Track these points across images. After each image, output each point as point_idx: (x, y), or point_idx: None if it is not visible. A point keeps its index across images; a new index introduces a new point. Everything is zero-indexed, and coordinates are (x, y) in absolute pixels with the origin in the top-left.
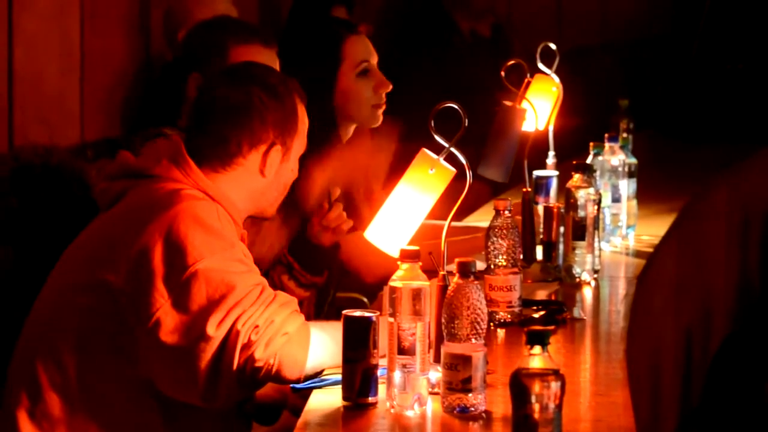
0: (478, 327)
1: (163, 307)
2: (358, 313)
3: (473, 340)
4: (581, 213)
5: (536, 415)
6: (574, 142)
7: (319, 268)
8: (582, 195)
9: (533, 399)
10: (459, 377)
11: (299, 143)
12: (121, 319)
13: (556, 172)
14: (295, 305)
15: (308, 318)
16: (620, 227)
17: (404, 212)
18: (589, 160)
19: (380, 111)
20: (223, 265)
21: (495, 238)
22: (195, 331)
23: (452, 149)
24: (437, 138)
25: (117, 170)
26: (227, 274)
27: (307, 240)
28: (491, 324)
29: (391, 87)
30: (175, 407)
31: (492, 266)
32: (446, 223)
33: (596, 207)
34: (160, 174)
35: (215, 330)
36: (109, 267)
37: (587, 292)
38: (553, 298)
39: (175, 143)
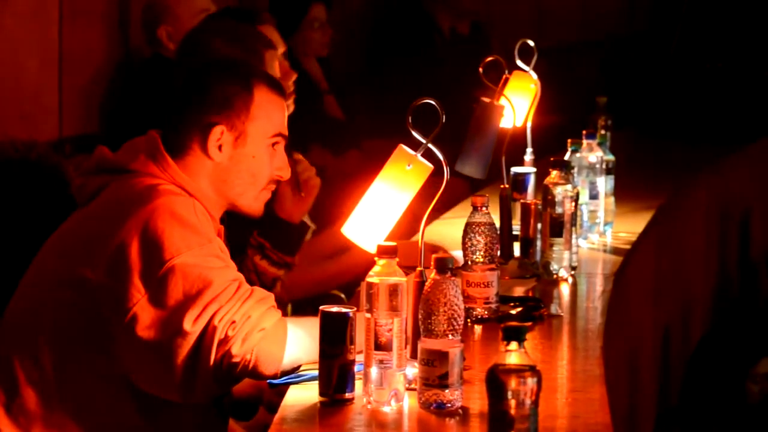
0: (455, 323)
1: (139, 303)
2: (335, 309)
3: (450, 336)
4: (559, 210)
5: (512, 411)
6: (552, 139)
7: (291, 247)
8: (559, 192)
9: (509, 395)
10: (436, 373)
11: (259, 129)
12: (98, 315)
13: (534, 169)
14: (272, 301)
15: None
16: (598, 224)
17: (381, 208)
18: (566, 157)
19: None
20: (200, 260)
21: (472, 235)
22: (171, 327)
23: (430, 145)
24: (415, 134)
25: (95, 166)
26: (204, 269)
27: (277, 219)
28: (468, 320)
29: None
30: (153, 403)
31: (469, 262)
32: (423, 219)
33: (574, 204)
34: (138, 169)
35: (192, 325)
36: (87, 262)
37: (564, 289)
38: (530, 294)
39: (152, 138)
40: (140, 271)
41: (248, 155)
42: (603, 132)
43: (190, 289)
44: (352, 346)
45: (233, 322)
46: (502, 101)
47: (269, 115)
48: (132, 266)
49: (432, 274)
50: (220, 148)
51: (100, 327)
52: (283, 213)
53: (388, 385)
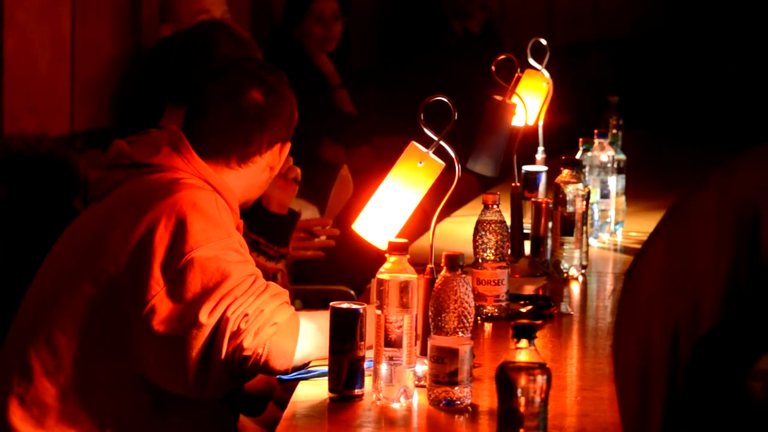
0: (465, 320)
1: (158, 295)
2: (345, 305)
3: (460, 334)
4: (570, 208)
5: (522, 409)
6: (564, 138)
7: (283, 238)
8: (571, 190)
9: (519, 392)
10: (445, 370)
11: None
12: (118, 308)
13: (545, 168)
14: (286, 297)
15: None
16: (608, 223)
17: (393, 205)
18: (578, 156)
19: None
20: (219, 253)
21: (483, 233)
22: (188, 319)
23: (441, 143)
24: (426, 131)
25: (112, 159)
26: (222, 262)
27: (267, 213)
28: (478, 318)
29: None
30: (166, 399)
31: (480, 260)
32: (434, 217)
33: (585, 203)
34: (161, 163)
35: (207, 317)
36: (108, 255)
37: (575, 288)
38: (540, 293)
39: (174, 132)
40: (161, 263)
41: (280, 164)
42: (614, 131)
43: (208, 282)
44: (362, 343)
45: (246, 315)
46: (514, 99)
47: None
48: (153, 258)
49: (443, 272)
50: (280, 160)
51: (120, 321)
52: (272, 206)
53: (397, 382)
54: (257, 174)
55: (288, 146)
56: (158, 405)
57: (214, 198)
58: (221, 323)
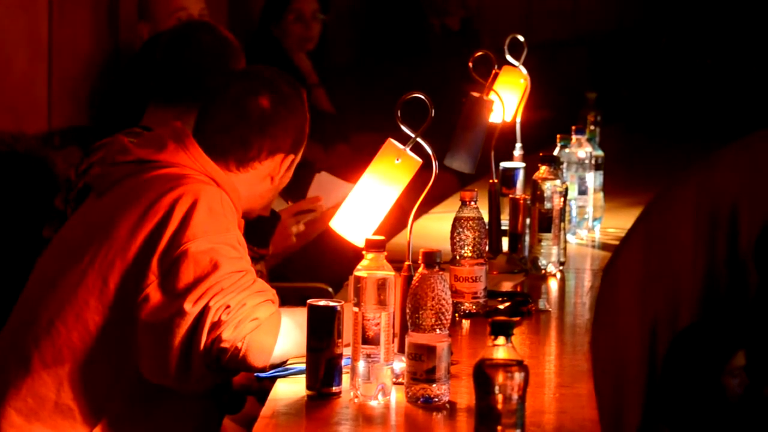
0: (442, 317)
1: (153, 284)
2: (322, 302)
3: (438, 331)
4: (547, 205)
5: (499, 406)
6: (541, 134)
7: (263, 239)
8: (548, 187)
9: (496, 390)
10: (423, 367)
11: (300, 153)
12: (121, 300)
13: (523, 164)
14: (271, 295)
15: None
16: (586, 219)
17: (370, 202)
18: (556, 152)
19: None
20: (215, 246)
21: (461, 229)
22: (174, 307)
23: (419, 139)
24: (403, 128)
25: (117, 156)
26: (216, 254)
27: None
28: (456, 315)
29: None
30: (159, 394)
31: (457, 257)
32: (412, 214)
33: (562, 199)
34: (166, 159)
35: (192, 306)
36: (114, 249)
37: (553, 284)
38: (518, 289)
39: (178, 128)
40: (161, 253)
41: (288, 177)
42: (592, 128)
43: (200, 273)
44: (340, 340)
45: (228, 306)
46: (492, 96)
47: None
48: (156, 247)
49: (420, 269)
50: (281, 173)
51: (121, 314)
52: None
53: (375, 379)
54: (257, 182)
55: (292, 160)
56: (151, 398)
57: (219, 194)
58: (204, 312)
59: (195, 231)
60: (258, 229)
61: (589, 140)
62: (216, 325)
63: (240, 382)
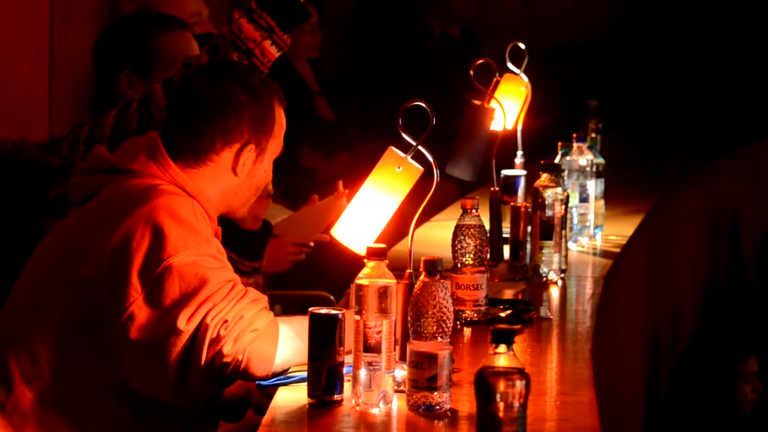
0: (444, 325)
1: (136, 302)
2: (324, 310)
3: (439, 339)
4: (549, 212)
5: (501, 414)
6: (543, 142)
7: (256, 253)
8: (550, 195)
9: (498, 397)
10: (424, 375)
11: (274, 145)
12: (96, 315)
13: (524, 172)
14: (265, 302)
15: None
16: (588, 227)
17: (371, 210)
18: (557, 160)
19: None
20: (197, 259)
21: (462, 237)
22: (166, 325)
23: (420, 147)
24: (405, 136)
25: (92, 165)
26: (200, 268)
27: (237, 228)
28: (457, 323)
29: None
30: (147, 407)
31: (459, 265)
32: (413, 222)
33: (564, 207)
34: (138, 169)
35: (186, 324)
36: (86, 262)
37: (554, 292)
38: (519, 297)
39: (152, 139)
40: (139, 269)
41: (262, 170)
42: (593, 135)
43: (186, 288)
44: (341, 348)
45: (225, 321)
46: (493, 104)
47: (282, 131)
48: (131, 265)
49: (421, 276)
50: (243, 164)
51: (99, 328)
52: (246, 222)
53: (377, 387)
54: (220, 176)
55: (255, 152)
56: (137, 414)
57: (191, 204)
58: (200, 330)
59: (176, 245)
60: (250, 242)
61: (590, 148)
62: (215, 341)
63: (240, 392)
